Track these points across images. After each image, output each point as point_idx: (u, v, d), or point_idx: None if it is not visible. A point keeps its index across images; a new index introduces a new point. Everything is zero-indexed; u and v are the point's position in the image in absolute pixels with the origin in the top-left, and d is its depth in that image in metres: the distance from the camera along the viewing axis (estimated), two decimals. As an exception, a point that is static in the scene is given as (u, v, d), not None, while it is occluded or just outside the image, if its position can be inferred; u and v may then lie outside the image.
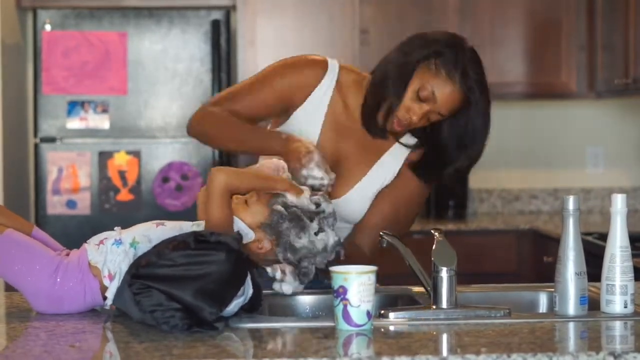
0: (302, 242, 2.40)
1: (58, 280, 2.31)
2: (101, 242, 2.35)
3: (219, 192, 2.38)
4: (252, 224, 2.41)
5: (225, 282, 2.20)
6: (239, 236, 2.31)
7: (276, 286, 2.42)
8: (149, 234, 2.34)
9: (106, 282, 2.31)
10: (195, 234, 2.27)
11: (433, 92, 2.58)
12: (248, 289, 2.26)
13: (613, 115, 5.63)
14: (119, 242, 2.33)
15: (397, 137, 2.72)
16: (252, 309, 2.29)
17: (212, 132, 2.71)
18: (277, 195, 2.42)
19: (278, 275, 2.40)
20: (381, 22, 5.15)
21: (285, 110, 2.71)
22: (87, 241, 2.38)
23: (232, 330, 2.17)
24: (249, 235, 2.40)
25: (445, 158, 2.68)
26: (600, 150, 5.64)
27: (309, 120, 2.70)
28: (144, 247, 2.31)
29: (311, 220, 2.41)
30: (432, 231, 2.41)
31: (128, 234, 2.35)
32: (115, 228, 2.39)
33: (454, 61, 2.59)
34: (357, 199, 2.70)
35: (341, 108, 2.71)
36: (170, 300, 2.16)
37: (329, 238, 2.42)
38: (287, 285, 2.41)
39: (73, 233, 4.96)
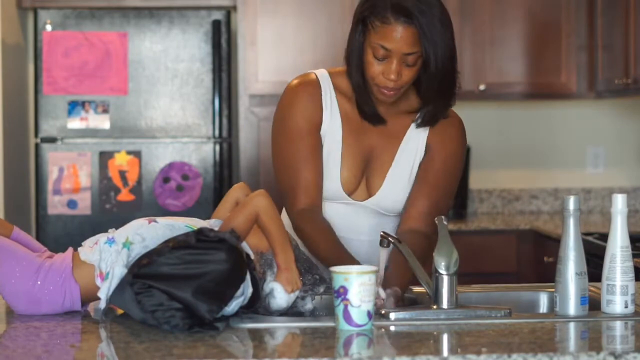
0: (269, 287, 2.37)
1: (38, 282, 2.32)
2: (95, 242, 2.36)
3: (251, 210, 2.37)
4: (255, 247, 2.39)
5: (224, 280, 2.21)
6: (236, 234, 2.31)
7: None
8: (142, 231, 2.34)
9: (97, 281, 2.31)
10: (196, 233, 2.27)
11: (383, 46, 2.56)
12: (247, 288, 2.26)
13: (613, 115, 5.63)
14: (111, 241, 2.33)
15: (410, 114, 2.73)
16: (249, 305, 2.29)
17: (311, 244, 2.65)
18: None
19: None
20: (381, 22, 5.14)
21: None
22: (82, 244, 2.38)
23: (232, 330, 2.17)
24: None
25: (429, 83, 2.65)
26: (601, 150, 5.64)
27: (331, 134, 2.71)
28: (137, 247, 2.32)
29: None
30: (436, 220, 2.40)
31: (121, 233, 2.35)
32: (110, 230, 2.40)
33: (382, 6, 2.56)
34: (393, 186, 2.71)
35: (350, 108, 2.72)
36: (171, 300, 2.16)
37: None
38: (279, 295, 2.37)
39: (74, 233, 4.97)
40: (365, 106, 2.69)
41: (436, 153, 2.73)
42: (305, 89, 2.72)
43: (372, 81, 2.62)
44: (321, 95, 2.71)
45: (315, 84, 2.72)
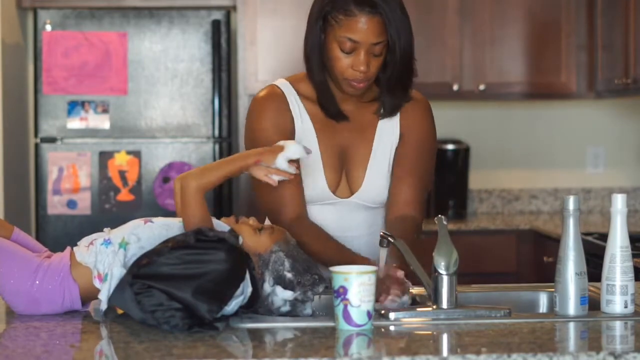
0: (266, 290, 2.37)
1: (37, 282, 2.32)
2: (91, 243, 2.36)
3: (193, 197, 2.40)
4: (250, 249, 2.39)
5: (224, 280, 2.21)
6: (235, 234, 2.32)
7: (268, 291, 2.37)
8: (138, 232, 2.35)
9: (96, 282, 2.31)
10: (195, 232, 2.27)
11: (351, 38, 2.59)
12: (247, 288, 2.26)
13: (613, 115, 5.63)
14: (107, 242, 2.33)
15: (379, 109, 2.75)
16: (248, 305, 2.29)
17: (307, 249, 2.58)
18: (287, 241, 2.40)
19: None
20: (381, 22, 5.14)
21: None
22: (77, 243, 2.38)
23: (232, 330, 2.17)
24: None
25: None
26: (601, 150, 5.64)
27: (306, 139, 2.72)
28: (133, 247, 2.32)
29: (292, 286, 2.36)
30: (436, 220, 2.40)
31: (117, 234, 2.35)
32: (105, 229, 2.40)
33: (343, 0, 2.58)
34: (375, 178, 2.74)
35: (317, 110, 2.75)
36: (171, 300, 2.16)
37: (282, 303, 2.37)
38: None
39: (73, 233, 4.96)
40: (327, 104, 2.71)
41: (409, 137, 2.77)
42: (271, 101, 2.74)
43: (341, 76, 2.63)
44: (288, 104, 2.74)
45: (280, 95, 2.75)
